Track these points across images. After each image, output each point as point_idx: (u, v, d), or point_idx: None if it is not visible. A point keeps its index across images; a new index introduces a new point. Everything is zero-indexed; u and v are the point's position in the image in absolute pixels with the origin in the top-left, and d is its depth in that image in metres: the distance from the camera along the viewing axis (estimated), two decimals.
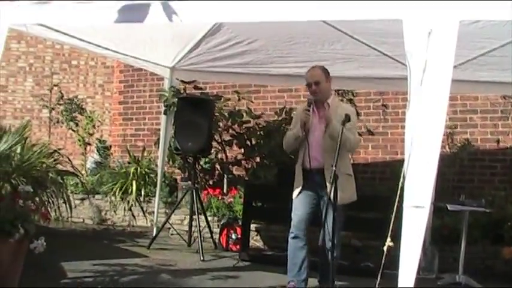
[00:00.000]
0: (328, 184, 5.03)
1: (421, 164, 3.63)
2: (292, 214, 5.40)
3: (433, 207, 6.00)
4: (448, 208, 6.12)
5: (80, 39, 6.69)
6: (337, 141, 4.88)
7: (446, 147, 8.39)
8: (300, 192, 5.38)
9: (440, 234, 6.93)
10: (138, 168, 9.77)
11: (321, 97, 5.37)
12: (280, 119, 8.83)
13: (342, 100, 8.96)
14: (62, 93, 11.91)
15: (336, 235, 4.98)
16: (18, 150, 6.63)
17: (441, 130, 3.70)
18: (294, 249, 5.38)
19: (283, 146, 5.68)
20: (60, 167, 7.42)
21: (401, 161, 3.75)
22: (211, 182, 9.52)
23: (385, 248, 3.68)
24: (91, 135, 11.26)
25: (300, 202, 5.38)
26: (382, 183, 8.76)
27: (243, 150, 9.03)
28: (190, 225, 7.77)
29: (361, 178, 8.88)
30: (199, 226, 7.39)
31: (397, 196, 3.61)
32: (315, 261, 5.42)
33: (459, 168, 8.48)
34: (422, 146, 3.64)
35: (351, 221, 6.49)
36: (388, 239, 3.69)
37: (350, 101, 9.02)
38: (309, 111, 5.28)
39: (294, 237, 5.37)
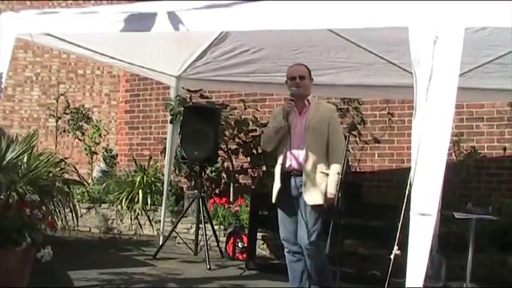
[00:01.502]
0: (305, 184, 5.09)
1: (427, 172, 3.62)
2: (280, 225, 5.38)
3: (440, 215, 5.98)
4: (455, 216, 6.09)
5: (87, 49, 6.72)
6: (342, 152, 4.92)
7: (453, 155, 8.36)
8: (281, 199, 5.30)
9: (447, 242, 6.90)
10: (145, 177, 9.78)
11: (302, 92, 5.30)
12: None
13: (347, 109, 8.99)
14: (68, 102, 12.00)
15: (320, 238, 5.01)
16: (25, 159, 6.65)
17: (447, 138, 3.69)
18: (290, 262, 5.38)
19: (261, 145, 5.62)
20: (66, 176, 7.43)
21: (408, 169, 3.74)
22: (217, 191, 9.53)
23: (392, 256, 3.67)
24: (97, 144, 11.30)
25: (285, 213, 5.33)
26: (388, 191, 8.73)
27: (249, 158, 9.03)
28: (197, 234, 7.76)
29: (367, 186, 8.92)
30: (206, 235, 7.38)
31: (404, 204, 3.61)
32: None
33: (466, 176, 8.44)
34: (428, 154, 3.63)
35: (358, 229, 6.51)
36: (395, 247, 3.68)
37: (356, 109, 9.02)
38: (292, 101, 5.19)
39: (288, 252, 5.38)
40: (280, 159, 5.34)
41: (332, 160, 5.19)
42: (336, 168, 5.10)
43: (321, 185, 5.14)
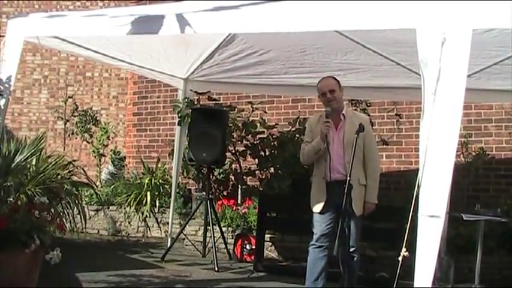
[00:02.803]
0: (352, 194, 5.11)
1: (435, 174, 3.62)
2: (318, 226, 5.39)
3: (448, 217, 5.96)
4: (463, 218, 6.08)
5: (95, 51, 6.74)
6: (353, 151, 4.99)
7: (461, 156, 8.33)
8: (323, 206, 5.35)
9: (456, 244, 6.88)
10: (153, 179, 9.79)
11: (336, 106, 5.38)
12: (294, 129, 8.81)
13: (355, 109, 8.97)
14: (76, 105, 12.00)
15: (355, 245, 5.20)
16: (34, 162, 6.68)
17: (455, 139, 3.68)
18: (314, 258, 5.38)
19: (300, 158, 5.68)
20: (75, 178, 7.45)
21: (416, 171, 3.74)
22: (225, 193, 9.53)
23: (400, 258, 3.67)
24: (105, 146, 11.30)
25: (324, 216, 5.36)
26: (396, 193, 8.70)
27: (257, 160, 9.02)
28: (205, 236, 7.76)
29: None
30: (214, 237, 7.39)
31: (412, 206, 3.60)
32: (332, 272, 5.41)
33: (474, 178, 8.41)
34: (436, 156, 3.63)
35: (366, 231, 6.49)
36: (403, 249, 3.68)
37: (364, 110, 9.01)
38: (328, 122, 5.25)
39: (317, 248, 5.39)
40: (320, 171, 5.41)
41: (369, 169, 5.36)
42: (374, 177, 5.35)
43: (362, 195, 5.28)
